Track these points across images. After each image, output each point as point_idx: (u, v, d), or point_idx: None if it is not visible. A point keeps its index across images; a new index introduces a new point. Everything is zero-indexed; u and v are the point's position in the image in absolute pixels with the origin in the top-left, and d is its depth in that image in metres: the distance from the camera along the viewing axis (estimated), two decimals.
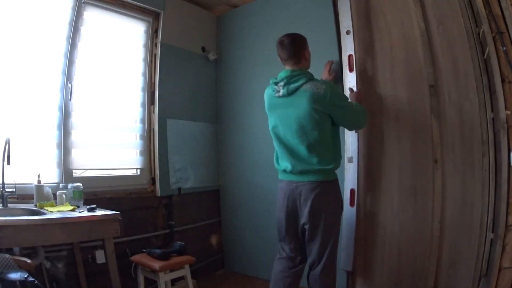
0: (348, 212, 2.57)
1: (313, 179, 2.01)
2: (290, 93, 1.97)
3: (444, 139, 2.27)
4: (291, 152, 2.04)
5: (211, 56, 3.36)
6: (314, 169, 2.00)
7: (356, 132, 2.35)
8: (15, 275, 1.50)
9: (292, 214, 2.09)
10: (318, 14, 2.82)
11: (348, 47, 2.57)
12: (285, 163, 2.09)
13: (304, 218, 2.03)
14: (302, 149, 1.99)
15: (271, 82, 2.09)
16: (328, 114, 1.97)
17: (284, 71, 2.05)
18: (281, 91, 1.99)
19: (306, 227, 2.04)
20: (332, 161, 2.04)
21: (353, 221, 2.57)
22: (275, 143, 2.16)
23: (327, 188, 2.04)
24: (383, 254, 2.49)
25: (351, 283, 2.62)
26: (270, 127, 2.16)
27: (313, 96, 1.91)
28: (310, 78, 2.00)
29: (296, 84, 1.96)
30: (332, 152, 2.05)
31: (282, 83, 2.00)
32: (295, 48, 2.00)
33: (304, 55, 2.04)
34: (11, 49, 2.26)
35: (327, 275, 2.04)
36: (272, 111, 2.10)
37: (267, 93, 2.14)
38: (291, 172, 2.05)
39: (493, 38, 1.89)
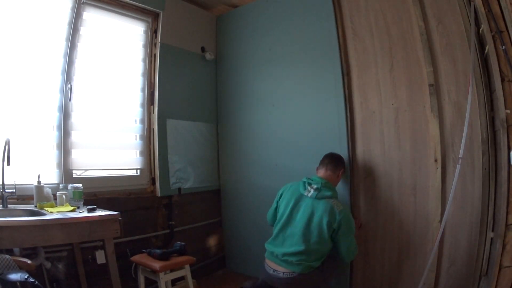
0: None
1: None
2: (318, 198, 2.27)
3: (443, 138, 2.28)
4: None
5: (208, 56, 3.35)
6: None
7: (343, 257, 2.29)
8: (15, 276, 1.50)
9: None
10: (318, 14, 2.81)
11: None
12: None
13: None
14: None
15: (304, 179, 2.36)
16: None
17: (318, 177, 2.36)
18: (311, 193, 2.28)
19: None
20: None
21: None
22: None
23: None
24: (383, 254, 2.49)
25: (352, 282, 2.63)
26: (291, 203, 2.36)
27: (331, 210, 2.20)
28: (335, 196, 2.31)
29: (326, 194, 2.27)
30: None
31: (315, 186, 2.29)
32: (336, 160, 2.45)
33: (340, 172, 2.44)
34: (11, 49, 2.26)
35: None
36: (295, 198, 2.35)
37: (294, 187, 2.40)
38: None
39: (493, 37, 1.89)
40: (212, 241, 3.34)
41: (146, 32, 3.04)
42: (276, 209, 2.47)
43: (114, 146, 2.82)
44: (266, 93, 3.12)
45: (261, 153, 3.13)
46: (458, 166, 2.08)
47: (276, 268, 2.23)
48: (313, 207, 2.24)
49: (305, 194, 2.31)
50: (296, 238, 2.22)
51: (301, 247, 2.17)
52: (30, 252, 2.07)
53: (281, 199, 2.44)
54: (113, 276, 2.03)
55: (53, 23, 2.45)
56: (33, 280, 1.50)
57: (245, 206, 3.24)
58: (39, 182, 2.17)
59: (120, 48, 2.86)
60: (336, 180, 2.44)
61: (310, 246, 2.18)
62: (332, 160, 2.44)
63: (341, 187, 2.63)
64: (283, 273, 2.20)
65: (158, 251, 2.38)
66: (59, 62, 2.49)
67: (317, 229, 2.20)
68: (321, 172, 2.43)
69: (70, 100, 2.51)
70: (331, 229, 2.19)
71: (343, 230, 2.19)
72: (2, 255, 1.63)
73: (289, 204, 2.33)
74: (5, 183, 2.04)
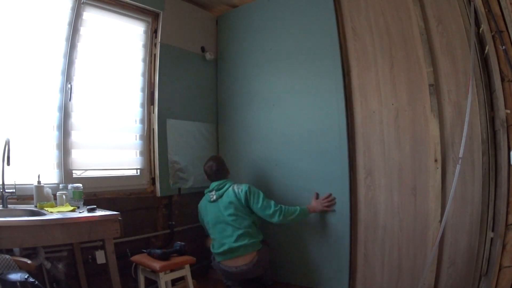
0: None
1: None
2: (220, 195, 2.71)
3: (443, 138, 2.28)
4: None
5: (208, 56, 3.34)
6: None
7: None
8: (15, 276, 1.50)
9: None
10: (318, 14, 2.82)
11: None
12: None
13: None
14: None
15: (206, 192, 2.82)
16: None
17: (213, 184, 2.78)
18: (214, 197, 2.72)
19: None
20: None
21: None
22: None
23: None
24: (383, 254, 2.49)
25: (351, 282, 2.63)
26: None
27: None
28: (232, 182, 2.77)
29: (223, 189, 2.72)
30: None
31: (213, 192, 2.74)
32: (220, 165, 2.84)
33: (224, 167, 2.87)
34: (11, 49, 2.26)
35: None
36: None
37: (203, 204, 2.83)
38: None
39: (493, 37, 1.89)
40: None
41: (146, 32, 3.04)
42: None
43: (114, 146, 2.82)
44: (266, 93, 3.12)
45: (261, 153, 3.13)
46: (458, 166, 2.08)
47: (235, 264, 2.58)
48: (220, 204, 2.67)
49: (211, 200, 2.72)
50: (229, 230, 2.61)
51: (238, 231, 2.58)
52: (30, 252, 2.06)
53: (204, 218, 2.81)
54: (113, 276, 2.03)
55: (53, 23, 2.45)
56: (33, 280, 1.50)
57: None
58: (39, 182, 2.17)
59: (120, 48, 2.85)
60: (227, 170, 2.88)
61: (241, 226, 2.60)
62: (217, 169, 2.80)
63: (340, 187, 2.64)
64: (242, 265, 2.57)
65: (158, 251, 2.38)
66: (59, 62, 2.48)
67: (233, 210, 2.61)
68: (214, 180, 2.80)
69: (70, 100, 2.51)
70: (242, 203, 2.62)
71: (252, 199, 2.62)
72: (2, 255, 1.63)
73: (207, 217, 2.75)
74: (5, 183, 2.04)
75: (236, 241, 2.57)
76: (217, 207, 2.69)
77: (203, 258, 3.19)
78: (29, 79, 2.34)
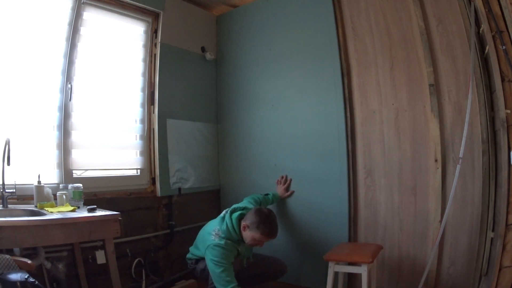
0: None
1: None
2: None
3: (443, 138, 2.28)
4: None
5: (208, 56, 3.34)
6: None
7: None
8: (15, 276, 1.50)
9: None
10: (318, 14, 2.82)
11: None
12: None
13: None
14: None
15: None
16: None
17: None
18: None
19: None
20: None
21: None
22: None
23: None
24: (383, 253, 2.49)
25: (351, 282, 2.63)
26: None
27: None
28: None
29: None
30: None
31: None
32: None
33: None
34: (11, 49, 2.25)
35: None
36: None
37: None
38: None
39: (493, 37, 1.89)
40: None
41: (146, 32, 3.03)
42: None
43: (114, 146, 2.82)
44: (266, 93, 3.12)
45: (260, 153, 3.13)
46: (458, 166, 2.08)
47: None
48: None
49: None
50: None
51: None
52: (30, 252, 2.06)
53: None
54: (113, 276, 2.03)
55: (53, 23, 2.45)
56: (33, 280, 1.50)
57: None
58: (39, 182, 2.16)
59: (120, 48, 2.85)
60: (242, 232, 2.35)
61: None
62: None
63: (340, 187, 2.64)
64: None
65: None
66: (59, 62, 2.48)
67: None
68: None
69: (70, 100, 2.51)
70: None
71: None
72: (2, 255, 1.63)
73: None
74: (5, 183, 2.04)
75: None
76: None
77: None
78: (29, 79, 2.33)
